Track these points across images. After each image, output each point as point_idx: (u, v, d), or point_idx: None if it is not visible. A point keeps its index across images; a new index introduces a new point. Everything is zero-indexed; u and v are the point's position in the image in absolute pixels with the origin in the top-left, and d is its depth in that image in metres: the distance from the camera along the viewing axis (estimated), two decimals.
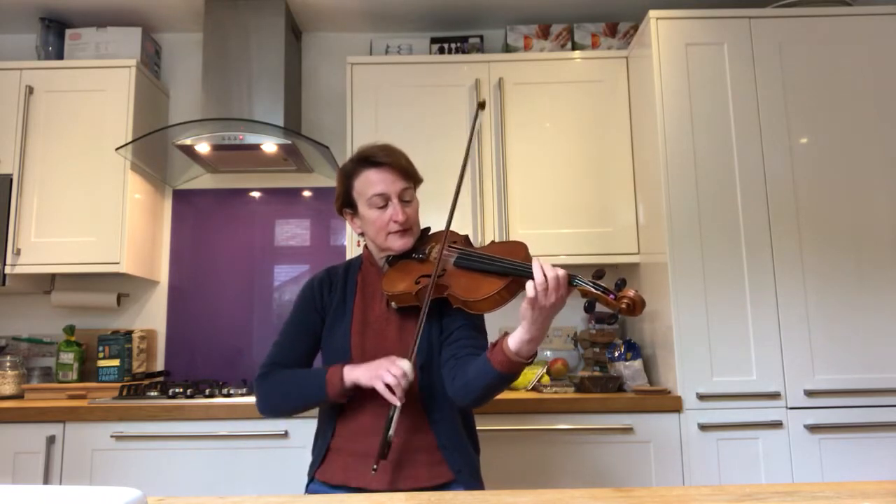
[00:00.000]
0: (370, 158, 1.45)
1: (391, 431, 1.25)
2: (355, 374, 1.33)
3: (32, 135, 2.49)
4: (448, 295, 1.34)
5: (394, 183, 1.44)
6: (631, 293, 1.16)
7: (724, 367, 2.05)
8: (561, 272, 1.19)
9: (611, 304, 1.18)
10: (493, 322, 2.59)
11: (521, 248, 1.36)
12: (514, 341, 1.22)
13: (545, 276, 1.18)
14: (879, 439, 2.00)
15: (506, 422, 2.03)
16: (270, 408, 1.43)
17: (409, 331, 1.42)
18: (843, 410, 2.02)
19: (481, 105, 1.48)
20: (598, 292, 1.19)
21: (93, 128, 2.49)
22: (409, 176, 1.47)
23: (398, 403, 1.25)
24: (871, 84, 2.19)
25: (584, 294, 1.21)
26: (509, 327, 2.56)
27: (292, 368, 1.46)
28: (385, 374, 1.26)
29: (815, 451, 1.99)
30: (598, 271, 1.23)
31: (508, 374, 1.24)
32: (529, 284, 1.19)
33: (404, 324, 1.43)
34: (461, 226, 2.42)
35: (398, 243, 1.44)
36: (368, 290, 1.49)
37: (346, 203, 1.50)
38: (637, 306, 1.16)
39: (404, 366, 1.27)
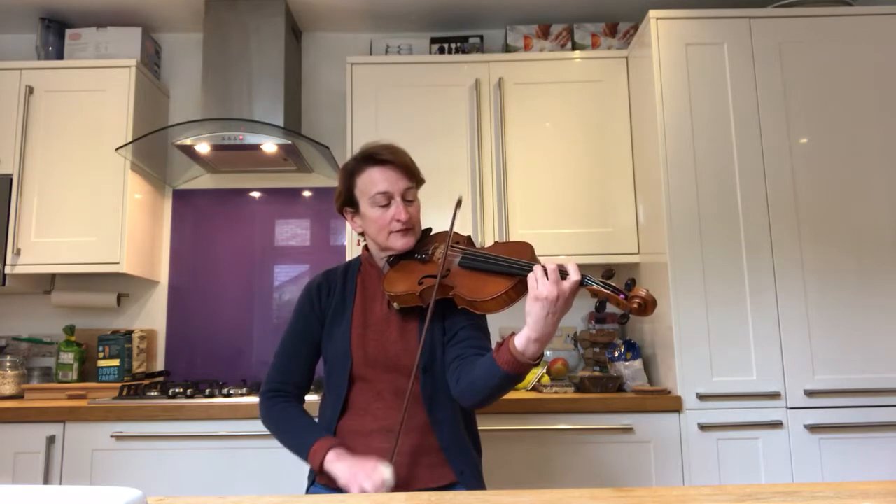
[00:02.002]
0: (374, 156, 1.44)
1: None
2: (335, 468, 1.30)
3: (32, 135, 2.49)
4: (454, 295, 1.33)
5: (397, 181, 1.43)
6: (642, 292, 1.14)
7: (724, 367, 2.05)
8: (572, 269, 1.17)
9: (622, 305, 1.16)
10: (494, 323, 2.59)
11: (526, 248, 1.35)
12: (520, 341, 1.20)
13: (545, 267, 1.18)
14: (879, 439, 2.00)
15: (506, 422, 2.03)
16: (268, 430, 1.47)
17: (410, 332, 1.42)
18: (842, 410, 2.02)
19: (459, 203, 1.41)
20: (609, 292, 1.17)
21: (93, 128, 2.49)
22: (413, 175, 1.47)
23: None
24: (871, 84, 2.19)
25: (594, 294, 1.19)
26: (511, 328, 2.54)
27: (298, 383, 1.49)
28: (364, 481, 1.23)
29: (815, 451, 1.99)
30: (608, 271, 1.21)
31: (515, 374, 1.21)
32: (531, 276, 1.18)
33: (405, 325, 1.43)
34: (462, 226, 2.42)
35: (400, 243, 1.43)
36: (368, 291, 1.49)
37: (347, 202, 1.49)
38: (649, 306, 1.14)
39: (385, 474, 1.22)
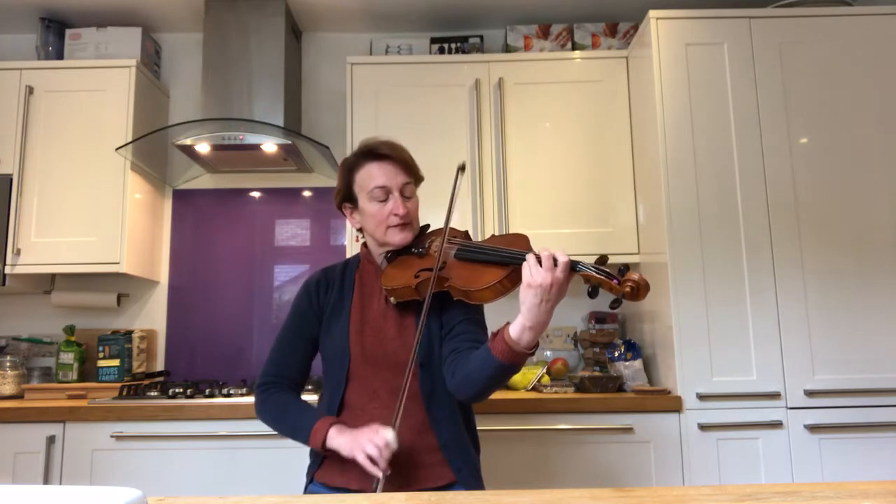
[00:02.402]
0: (373, 151, 1.45)
1: None
2: (337, 442, 1.30)
3: (32, 135, 2.49)
4: (449, 286, 1.33)
5: (395, 176, 1.43)
6: (635, 276, 1.15)
7: (724, 367, 2.05)
8: (561, 255, 1.19)
9: (614, 289, 1.17)
10: (494, 322, 2.59)
11: (522, 239, 1.36)
12: (514, 329, 1.21)
13: (538, 255, 1.19)
14: (879, 439, 2.00)
15: (506, 422, 2.03)
16: (265, 422, 1.46)
17: (408, 327, 1.42)
18: (843, 410, 2.02)
19: (461, 168, 1.43)
20: (602, 277, 1.18)
21: (93, 128, 2.49)
22: (411, 171, 1.47)
23: (379, 475, 1.20)
24: (871, 84, 2.19)
25: (587, 279, 1.20)
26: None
27: (292, 378, 1.48)
28: (367, 444, 1.22)
29: (815, 451, 1.99)
30: (601, 258, 1.23)
31: (510, 364, 1.22)
32: (524, 264, 1.20)
33: (403, 320, 1.43)
34: (461, 225, 2.42)
35: (398, 237, 1.44)
36: (366, 288, 1.49)
37: (346, 197, 1.49)
38: (641, 289, 1.15)
39: (387, 436, 1.23)
